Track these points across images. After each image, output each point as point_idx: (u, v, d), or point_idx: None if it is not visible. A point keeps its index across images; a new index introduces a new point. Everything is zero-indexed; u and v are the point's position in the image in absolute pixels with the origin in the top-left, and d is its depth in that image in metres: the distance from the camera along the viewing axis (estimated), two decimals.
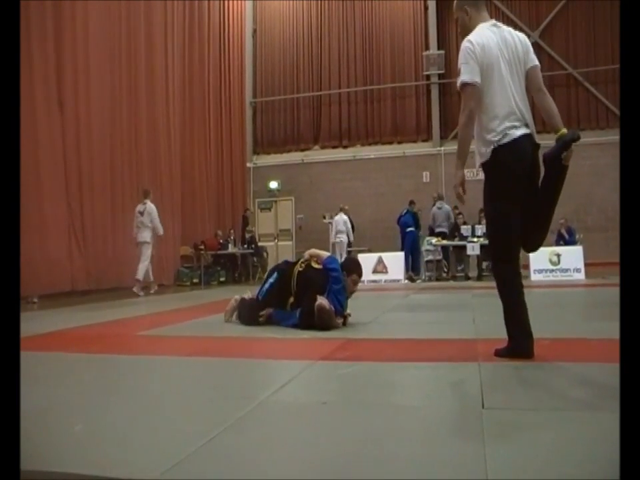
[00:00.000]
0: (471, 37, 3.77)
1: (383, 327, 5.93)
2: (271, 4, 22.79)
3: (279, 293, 5.86)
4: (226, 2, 20.18)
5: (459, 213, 15.39)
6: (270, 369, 3.94)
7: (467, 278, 14.46)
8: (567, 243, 14.94)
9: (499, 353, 3.76)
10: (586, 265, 13.45)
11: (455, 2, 4.00)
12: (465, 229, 14.54)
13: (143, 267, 11.73)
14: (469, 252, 14.26)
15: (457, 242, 14.64)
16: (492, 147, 3.64)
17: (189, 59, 17.34)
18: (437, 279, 14.83)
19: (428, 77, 21.24)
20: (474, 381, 3.20)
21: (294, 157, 22.25)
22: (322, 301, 5.36)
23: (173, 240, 15.19)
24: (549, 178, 3.66)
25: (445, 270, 15.25)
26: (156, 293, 12.13)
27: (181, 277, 15.78)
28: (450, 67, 20.29)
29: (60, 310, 8.60)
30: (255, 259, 17.82)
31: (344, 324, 5.68)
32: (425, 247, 15.18)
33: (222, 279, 16.60)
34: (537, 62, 3.84)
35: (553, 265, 13.44)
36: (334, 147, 22.13)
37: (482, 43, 3.69)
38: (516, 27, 18.17)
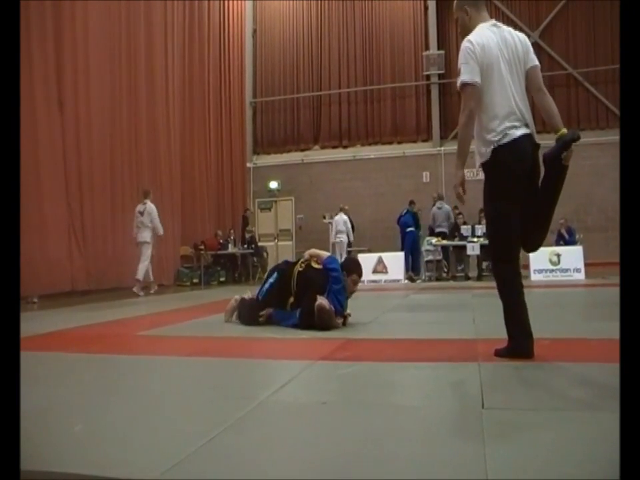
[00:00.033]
0: (470, 36, 3.77)
1: (382, 327, 5.93)
2: (271, 4, 22.79)
3: (278, 292, 5.86)
4: (226, 2, 20.17)
5: (459, 213, 15.40)
6: (270, 369, 3.94)
7: (467, 278, 14.46)
8: (566, 243, 14.94)
9: (499, 353, 3.76)
10: (586, 265, 13.45)
11: (455, 2, 4.00)
12: (465, 229, 14.54)
13: (143, 266, 11.74)
14: (468, 252, 14.26)
15: (456, 242, 14.64)
16: (492, 146, 3.64)
17: (188, 59, 17.34)
18: (437, 279, 14.83)
19: (428, 77, 21.25)
20: (474, 381, 3.20)
21: (294, 157, 22.25)
22: (322, 301, 5.36)
23: (172, 240, 15.19)
24: (549, 178, 3.66)
25: (445, 270, 15.25)
26: (156, 292, 12.13)
27: (181, 277, 15.77)
28: (450, 67, 20.29)
29: (60, 310, 8.60)
30: (255, 259, 17.81)
31: (344, 324, 5.68)
32: (424, 247, 15.18)
33: (222, 279, 16.60)
34: (537, 62, 3.84)
35: (553, 265, 13.44)
36: (334, 147, 22.13)
37: (482, 43, 3.69)
38: (516, 27, 18.18)
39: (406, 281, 14.22)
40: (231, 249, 16.96)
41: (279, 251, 20.91)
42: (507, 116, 3.65)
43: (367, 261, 13.82)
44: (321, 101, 22.37)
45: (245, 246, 17.52)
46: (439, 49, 21.05)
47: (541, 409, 2.66)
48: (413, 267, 15.24)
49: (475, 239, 14.03)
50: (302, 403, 2.91)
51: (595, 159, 18.18)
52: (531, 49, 3.87)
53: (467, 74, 3.66)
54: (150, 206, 12.01)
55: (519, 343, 3.68)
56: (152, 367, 4.03)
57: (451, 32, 20.88)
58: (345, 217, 16.49)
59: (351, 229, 16.55)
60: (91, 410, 2.84)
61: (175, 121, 16.15)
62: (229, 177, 19.94)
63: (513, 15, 20.28)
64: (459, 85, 3.73)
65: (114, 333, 5.88)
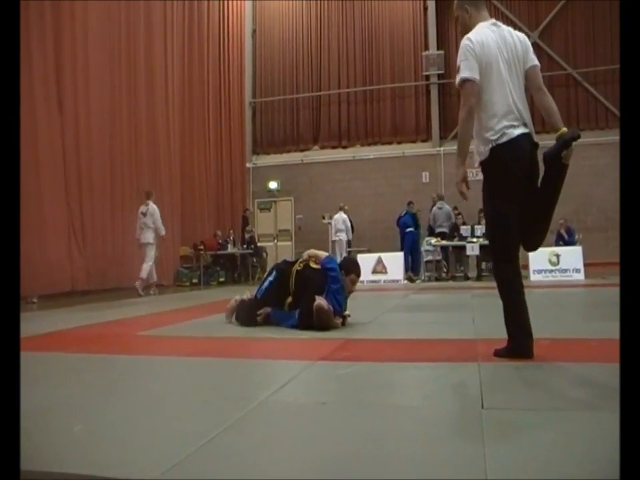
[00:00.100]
0: (470, 35, 3.78)
1: (382, 327, 5.93)
2: (271, 4, 22.79)
3: (277, 291, 5.86)
4: (225, 2, 20.17)
5: (458, 214, 15.41)
6: (269, 370, 3.94)
7: (467, 278, 14.47)
8: (566, 243, 14.95)
9: (499, 353, 3.76)
10: (585, 265, 13.45)
11: (456, 1, 4.01)
12: (465, 229, 14.54)
13: (147, 267, 11.78)
14: (468, 252, 14.26)
15: (456, 242, 14.65)
16: (490, 145, 3.65)
17: (188, 59, 17.34)
18: (437, 279, 14.83)
19: (427, 77, 21.26)
20: (474, 381, 3.20)
21: (293, 157, 22.25)
22: (320, 301, 5.36)
23: (172, 240, 15.18)
24: (549, 177, 3.66)
25: (445, 270, 15.25)
26: (155, 293, 12.12)
27: (181, 277, 15.77)
28: (449, 67, 20.27)
29: (60, 310, 8.60)
30: (255, 259, 17.81)
31: (343, 324, 5.68)
32: (424, 247, 15.18)
33: (221, 279, 16.59)
34: (536, 62, 3.84)
35: (553, 265, 13.44)
36: (333, 147, 22.13)
37: (481, 41, 3.70)
38: (515, 27, 18.13)
39: (405, 281, 14.22)
40: (230, 249, 16.96)
41: (279, 251, 20.90)
42: (505, 115, 3.65)
43: (366, 261, 13.85)
44: (321, 101, 22.37)
45: (245, 246, 17.51)
46: (438, 49, 21.06)
47: (541, 409, 2.66)
48: (412, 267, 15.24)
49: (475, 239, 14.04)
50: (301, 403, 2.91)
51: (595, 159, 18.19)
52: (531, 49, 3.87)
53: (466, 70, 3.66)
54: (152, 207, 12.04)
55: (519, 342, 3.68)
56: (152, 367, 4.03)
57: (451, 32, 20.90)
58: (345, 216, 16.53)
59: (350, 228, 16.59)
60: (91, 410, 2.84)
61: (174, 121, 16.15)
62: (229, 177, 19.94)
63: (513, 15, 20.28)
64: (457, 81, 3.73)
65: (114, 333, 5.88)
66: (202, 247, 16.25)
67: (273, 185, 22.17)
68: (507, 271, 3.77)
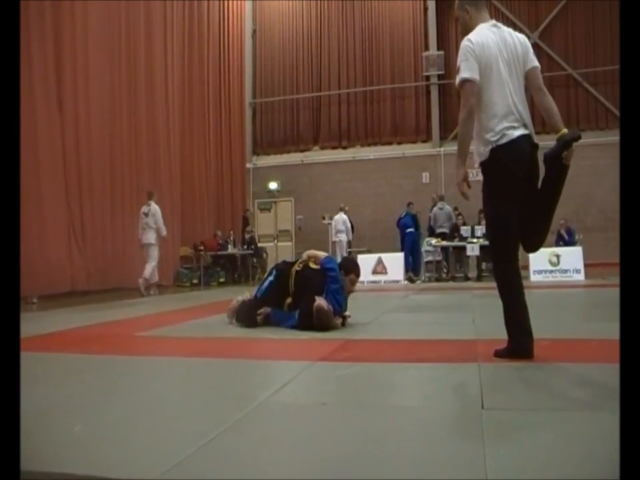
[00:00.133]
0: (470, 35, 3.78)
1: (382, 328, 5.93)
2: (271, 4, 22.80)
3: (277, 292, 5.86)
4: (225, 2, 20.17)
5: (459, 214, 15.41)
6: (269, 370, 3.94)
7: (467, 278, 14.47)
8: (566, 244, 14.95)
9: (499, 354, 3.76)
10: (585, 265, 13.45)
11: (456, 1, 4.02)
12: (465, 230, 14.54)
13: (150, 267, 11.82)
14: (468, 253, 14.26)
15: (456, 243, 14.65)
16: (490, 146, 3.65)
17: (188, 59, 17.34)
18: (437, 280, 14.83)
19: (427, 78, 21.26)
20: (474, 381, 3.20)
21: (293, 157, 22.25)
22: (320, 301, 5.35)
23: (172, 240, 15.18)
24: (549, 178, 3.66)
25: (445, 271, 15.26)
26: (155, 293, 12.12)
27: (181, 278, 15.77)
28: (450, 67, 20.27)
29: (60, 310, 8.60)
30: (255, 260, 17.81)
31: (343, 324, 5.68)
32: (424, 247, 15.19)
33: (221, 280, 16.59)
34: (536, 63, 3.84)
35: (553, 265, 13.44)
36: (333, 148, 22.14)
37: (481, 42, 3.71)
38: (515, 27, 18.16)
39: (405, 282, 14.22)
40: (230, 249, 16.96)
41: (279, 252, 20.90)
42: (505, 116, 3.66)
43: (366, 261, 13.85)
44: (321, 101, 22.38)
45: (245, 247, 17.51)
46: (438, 49, 21.06)
47: (541, 410, 2.66)
48: (412, 268, 15.24)
49: (475, 240, 14.04)
50: (302, 404, 2.91)
51: (595, 159, 18.20)
52: (531, 50, 3.87)
53: (466, 71, 3.67)
54: (154, 207, 12.08)
55: (519, 343, 3.68)
56: (151, 368, 4.03)
57: (451, 32, 20.91)
58: (345, 217, 16.53)
59: (350, 229, 16.59)
60: (91, 410, 2.84)
61: (174, 121, 16.15)
62: (229, 178, 19.94)
63: (513, 16, 20.29)
64: (458, 82, 3.73)
65: (114, 333, 5.88)
66: (202, 248, 16.25)
67: (273, 185, 22.17)
68: (507, 272, 3.78)
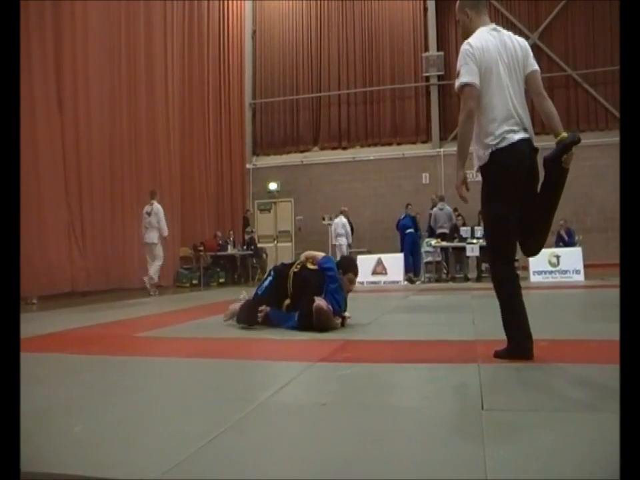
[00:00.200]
0: (470, 39, 3.79)
1: (382, 328, 5.93)
2: (271, 5, 22.80)
3: (275, 293, 5.85)
4: (225, 2, 20.17)
5: (459, 215, 15.41)
6: (269, 371, 3.94)
7: (466, 279, 14.47)
8: (566, 245, 14.96)
9: (499, 355, 3.76)
10: (585, 266, 13.45)
11: (457, 4, 4.02)
12: (465, 231, 14.55)
13: (157, 266, 11.92)
14: (468, 253, 14.26)
15: (456, 243, 14.65)
16: (490, 150, 3.66)
17: (188, 59, 17.34)
18: (437, 280, 14.83)
19: (427, 79, 21.26)
20: (473, 382, 3.20)
21: (293, 158, 22.25)
22: (320, 302, 5.35)
23: (172, 241, 15.18)
24: (549, 181, 3.66)
25: (445, 271, 15.26)
26: (155, 294, 12.12)
27: (180, 278, 15.77)
28: (449, 68, 20.27)
29: (59, 311, 8.60)
30: (255, 260, 17.81)
31: (342, 324, 5.68)
32: (424, 248, 15.20)
33: (221, 280, 16.60)
34: (536, 66, 3.85)
35: (553, 266, 13.44)
36: (333, 148, 22.14)
37: (481, 46, 3.71)
38: (515, 28, 18.21)
39: (405, 282, 14.22)
40: (230, 250, 16.97)
41: (279, 252, 20.90)
42: (505, 119, 3.66)
43: (366, 262, 13.85)
44: (321, 102, 22.38)
45: (245, 247, 17.52)
46: (438, 50, 21.07)
47: (541, 410, 2.66)
48: (412, 269, 15.25)
49: (474, 241, 14.04)
50: (302, 404, 2.91)
51: (595, 160, 18.20)
52: (531, 54, 3.87)
53: (466, 75, 3.67)
54: (156, 206, 12.14)
55: (519, 344, 3.68)
56: (151, 368, 4.03)
57: (451, 33, 20.93)
58: (344, 220, 16.48)
59: (350, 232, 16.54)
60: (91, 411, 2.84)
61: (174, 121, 16.15)
62: (229, 178, 19.93)
63: (512, 16, 20.29)
64: (457, 86, 3.74)
65: (114, 334, 5.88)
66: (202, 248, 16.26)
67: (272, 186, 22.17)
68: (505, 273, 3.78)
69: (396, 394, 3.19)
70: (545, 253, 13.03)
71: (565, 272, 13.36)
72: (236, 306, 6.17)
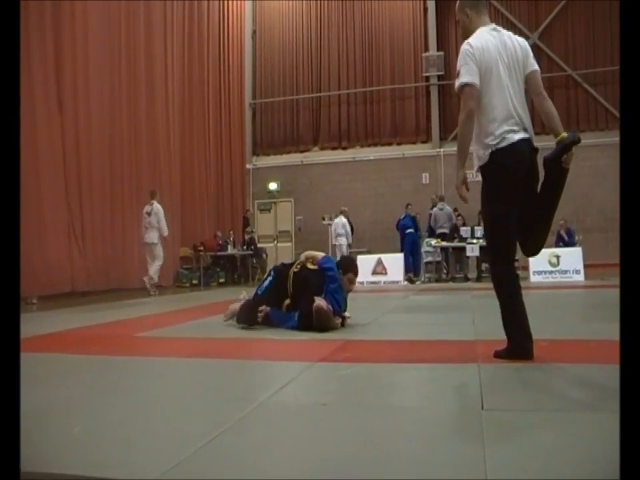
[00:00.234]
0: (470, 39, 3.79)
1: (382, 328, 5.93)
2: (271, 5, 22.80)
3: (275, 293, 5.84)
4: (225, 3, 20.16)
5: (459, 215, 15.41)
6: (269, 371, 3.94)
7: (466, 279, 14.47)
8: (566, 245, 14.96)
9: (499, 355, 3.76)
10: (585, 266, 13.45)
11: (457, 4, 4.02)
12: (465, 231, 14.55)
13: (157, 266, 11.97)
14: (468, 253, 14.27)
15: (456, 243, 14.65)
16: (490, 150, 3.66)
17: (188, 59, 17.34)
18: (437, 281, 14.83)
19: (427, 79, 21.26)
20: (473, 382, 3.20)
21: (293, 158, 22.25)
22: (320, 302, 5.35)
23: (172, 241, 15.19)
24: (549, 181, 3.67)
25: (445, 271, 15.26)
26: (155, 294, 12.12)
27: (180, 278, 15.77)
28: (449, 68, 20.27)
29: (59, 311, 8.60)
30: (255, 260, 17.81)
31: (342, 324, 5.68)
32: (424, 248, 15.20)
33: (221, 280, 16.60)
34: (536, 66, 3.85)
35: (553, 266, 13.44)
36: (333, 149, 22.14)
37: (481, 46, 3.71)
38: (515, 28, 18.19)
39: (405, 282, 14.22)
40: (230, 250, 16.97)
41: (279, 253, 20.90)
42: (505, 119, 3.66)
43: (366, 262, 13.85)
44: (321, 102, 22.38)
45: (245, 247, 17.52)
46: (438, 50, 21.07)
47: (541, 410, 2.66)
48: (412, 268, 15.25)
49: (475, 241, 14.04)
50: (302, 404, 2.91)
51: (594, 160, 18.20)
52: (531, 54, 3.87)
53: (466, 75, 3.67)
54: (157, 206, 12.17)
55: (519, 344, 3.68)
56: (151, 368, 4.03)
57: (451, 33, 20.93)
58: (344, 220, 16.48)
59: (350, 232, 16.53)
60: (91, 411, 2.84)
61: (174, 121, 16.15)
62: (229, 178, 19.93)
63: (512, 16, 20.28)
64: (457, 86, 3.73)
65: (113, 334, 5.88)
66: (202, 248, 16.26)
67: (272, 186, 22.17)
68: (505, 273, 3.78)
69: (396, 394, 3.19)
70: (545, 252, 13.03)
71: (565, 272, 13.36)
72: (236, 306, 6.17)
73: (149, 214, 12.11)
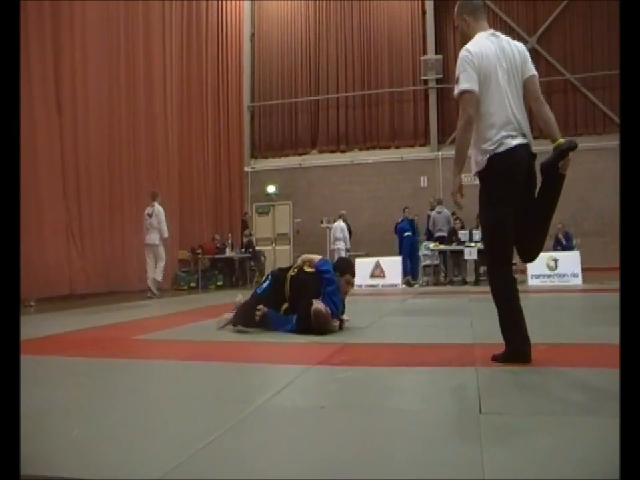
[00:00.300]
0: (468, 45, 3.80)
1: (380, 331, 5.93)
2: (269, 8, 22.83)
3: (274, 297, 5.82)
4: (224, 2, 20.18)
5: (457, 218, 15.41)
6: (267, 374, 3.94)
7: (464, 282, 14.47)
8: (564, 248, 14.97)
9: (497, 358, 3.76)
10: (583, 270, 13.46)
11: (456, 10, 4.03)
12: (463, 234, 14.56)
13: (160, 267, 12.02)
14: (466, 257, 14.27)
15: (454, 247, 14.65)
16: (488, 155, 3.66)
17: (187, 60, 17.37)
18: (435, 284, 14.83)
19: (426, 82, 21.31)
20: (471, 385, 3.20)
21: (292, 161, 22.26)
22: (318, 305, 5.35)
23: (170, 244, 15.17)
24: (546, 187, 3.68)
25: (443, 275, 15.26)
26: (152, 296, 12.13)
27: (179, 281, 15.77)
28: (448, 71, 20.32)
29: (57, 313, 8.59)
30: (253, 263, 17.80)
31: (340, 327, 5.68)
32: (422, 251, 15.20)
33: (219, 283, 16.59)
34: (534, 72, 3.86)
35: (551, 270, 13.45)
36: (332, 152, 22.16)
37: (479, 52, 3.72)
38: (513, 32, 18.20)
39: (403, 286, 14.22)
40: (228, 253, 16.96)
41: (277, 255, 20.92)
42: (503, 125, 3.66)
43: (364, 265, 13.84)
44: (319, 105, 22.40)
45: (243, 250, 17.51)
46: (436, 53, 21.11)
47: (538, 414, 2.66)
48: (411, 272, 15.26)
49: (473, 244, 14.05)
50: (300, 407, 2.91)
51: (592, 163, 18.23)
52: (529, 59, 3.88)
53: (465, 82, 3.67)
54: (157, 208, 12.22)
55: (517, 347, 3.68)
56: (150, 371, 4.03)
57: (449, 37, 20.96)
58: (343, 224, 16.46)
59: (348, 236, 16.53)
60: (90, 413, 2.83)
61: (173, 123, 16.16)
62: (227, 181, 19.94)
63: (511, 20, 20.34)
64: (456, 93, 3.74)
65: (112, 336, 5.87)
66: (200, 251, 16.26)
67: (271, 188, 22.18)
68: (502, 276, 3.78)
69: (394, 397, 3.19)
70: (543, 256, 13.02)
71: (563, 275, 13.37)
72: (229, 315, 6.13)
73: (150, 215, 12.16)
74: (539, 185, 3.73)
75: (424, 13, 21.44)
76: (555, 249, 14.83)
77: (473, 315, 6.98)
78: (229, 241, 17.41)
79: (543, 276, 13.40)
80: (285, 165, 22.22)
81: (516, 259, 3.95)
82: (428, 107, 21.33)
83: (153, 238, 12.11)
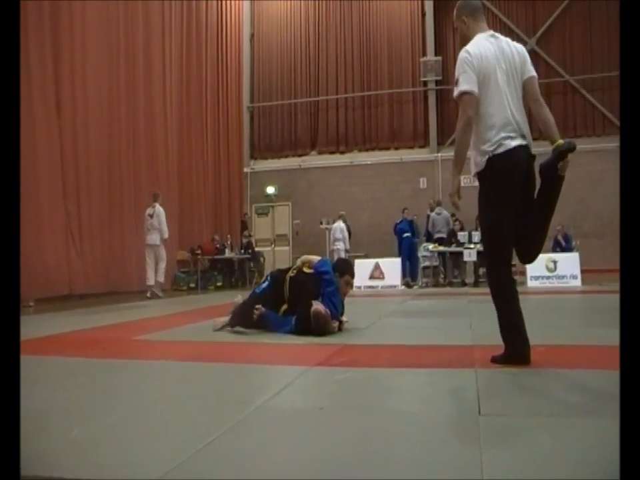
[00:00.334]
0: (468, 47, 3.80)
1: (379, 333, 5.93)
2: (269, 9, 22.84)
3: (273, 298, 5.82)
4: (223, 2, 20.19)
5: (456, 220, 15.42)
6: (266, 375, 3.94)
7: (464, 284, 14.47)
8: (563, 250, 14.98)
9: (496, 360, 3.76)
10: (582, 271, 13.47)
11: (455, 11, 4.03)
12: (462, 235, 14.55)
13: (162, 267, 12.08)
14: (465, 258, 14.27)
15: (453, 248, 14.65)
16: (487, 156, 3.66)
17: (186, 61, 17.36)
18: (434, 285, 14.84)
19: (425, 83, 21.32)
20: (470, 387, 3.20)
21: (291, 162, 22.27)
22: (317, 306, 5.35)
23: (170, 244, 15.16)
24: (544, 188, 3.68)
25: (442, 276, 15.26)
26: (151, 297, 12.13)
27: (178, 282, 15.76)
28: (447, 73, 20.34)
29: (57, 314, 8.58)
30: (252, 264, 17.80)
31: (339, 328, 5.67)
32: (421, 252, 15.20)
33: (219, 284, 16.58)
34: (534, 73, 3.86)
35: (550, 271, 13.47)
36: (331, 153, 22.16)
37: (479, 54, 3.72)
38: (512, 33, 18.20)
39: (403, 287, 14.22)
40: (227, 253, 16.96)
41: (276, 256, 20.92)
42: (503, 126, 3.66)
43: (363, 266, 13.84)
44: (319, 106, 22.41)
45: (242, 251, 17.51)
46: (436, 55, 21.13)
47: (538, 415, 2.66)
48: (410, 273, 15.26)
49: (472, 245, 14.05)
50: (299, 408, 2.91)
51: (592, 165, 18.25)
52: (529, 60, 3.88)
53: (465, 83, 3.68)
54: (158, 209, 12.28)
55: (516, 349, 3.68)
56: (149, 371, 4.03)
57: (448, 38, 20.98)
58: (343, 225, 16.48)
59: (347, 237, 16.53)
60: (90, 413, 2.83)
61: (172, 123, 16.16)
62: (226, 182, 19.93)
63: (510, 22, 20.36)
64: (456, 94, 3.74)
65: (111, 337, 5.87)
66: (199, 252, 16.25)
67: (270, 189, 22.18)
68: (501, 278, 3.78)
69: (393, 398, 3.19)
70: (542, 258, 13.03)
71: (562, 277, 13.39)
72: (225, 319, 6.12)
73: (151, 216, 12.23)
74: (538, 186, 3.73)
75: (423, 14, 21.46)
76: (554, 250, 14.84)
77: (472, 317, 6.98)
78: (229, 242, 17.40)
79: (542, 277, 13.41)
80: (284, 165, 22.23)
81: (515, 260, 3.95)
82: (427, 109, 21.34)
83: (154, 238, 12.16)
